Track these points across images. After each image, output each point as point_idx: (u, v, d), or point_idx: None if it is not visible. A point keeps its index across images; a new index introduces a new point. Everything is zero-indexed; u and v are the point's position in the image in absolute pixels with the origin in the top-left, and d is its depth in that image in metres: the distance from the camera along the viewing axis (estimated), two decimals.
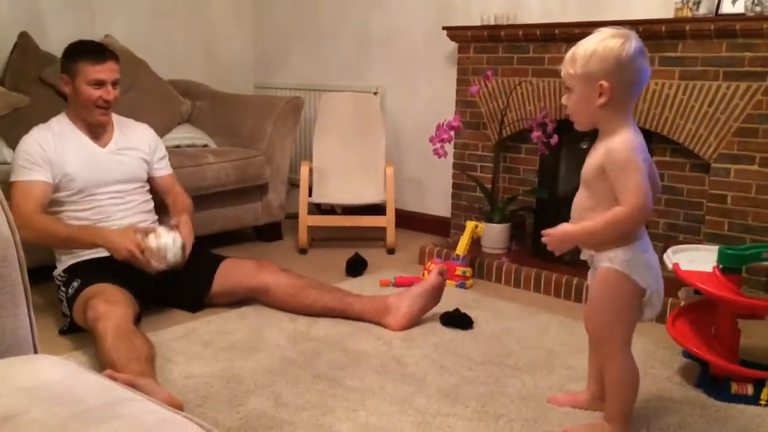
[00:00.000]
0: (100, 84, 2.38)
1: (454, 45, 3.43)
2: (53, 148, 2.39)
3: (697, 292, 1.98)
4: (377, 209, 3.50)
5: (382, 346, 2.23)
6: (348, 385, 1.95)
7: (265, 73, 4.60)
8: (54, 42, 3.52)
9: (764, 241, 2.50)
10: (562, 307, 2.66)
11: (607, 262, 1.57)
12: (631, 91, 1.53)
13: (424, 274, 2.94)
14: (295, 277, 2.51)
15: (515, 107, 3.19)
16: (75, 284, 2.26)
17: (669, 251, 2.12)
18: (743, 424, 1.78)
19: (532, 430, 1.73)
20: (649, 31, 2.71)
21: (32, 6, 3.54)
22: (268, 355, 2.14)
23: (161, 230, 2.34)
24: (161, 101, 3.57)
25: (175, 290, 2.48)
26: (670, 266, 2.02)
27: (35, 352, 1.18)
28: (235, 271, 2.52)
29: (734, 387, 1.88)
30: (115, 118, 2.56)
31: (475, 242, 3.09)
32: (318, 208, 3.91)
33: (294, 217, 3.53)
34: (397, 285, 2.83)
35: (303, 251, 3.41)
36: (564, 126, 3.02)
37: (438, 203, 3.76)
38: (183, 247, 2.36)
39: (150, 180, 2.64)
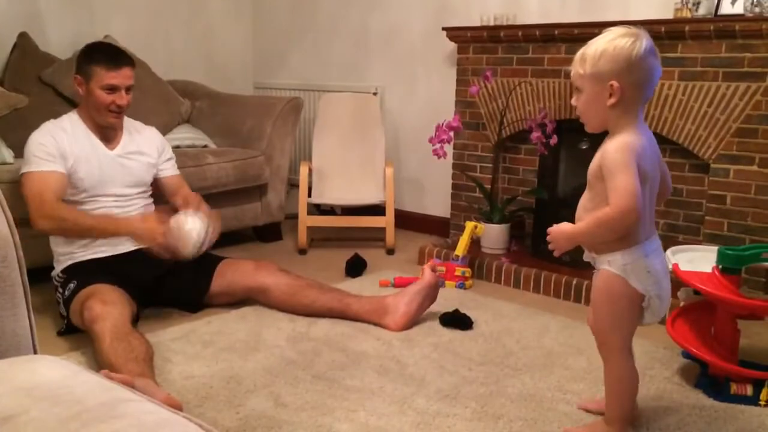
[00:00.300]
0: (113, 89, 2.37)
1: (453, 45, 3.43)
2: (66, 143, 2.38)
3: (696, 292, 1.99)
4: (377, 210, 3.50)
5: (381, 346, 2.23)
6: (347, 385, 1.95)
7: (264, 73, 4.60)
8: (54, 43, 3.53)
9: (764, 242, 2.50)
10: (561, 308, 2.66)
11: (606, 264, 1.57)
12: (642, 91, 1.50)
13: (423, 275, 2.94)
14: (294, 278, 2.51)
15: (515, 108, 3.19)
16: (71, 285, 2.26)
17: (668, 252, 2.12)
18: (743, 425, 1.78)
19: (531, 430, 1.73)
20: (648, 31, 2.65)
21: (32, 6, 3.54)
22: (267, 356, 2.14)
23: (184, 215, 2.31)
24: (161, 101, 3.57)
25: (174, 290, 2.48)
26: (669, 267, 2.02)
27: (35, 352, 1.18)
28: (233, 271, 2.51)
29: (734, 387, 1.89)
30: (125, 121, 2.55)
31: (475, 243, 3.09)
32: (317, 209, 3.91)
33: (293, 217, 3.53)
34: (396, 285, 2.83)
35: (302, 252, 3.41)
36: (563, 126, 3.03)
37: (437, 204, 3.76)
38: (207, 231, 2.32)
39: (157, 181, 2.63)
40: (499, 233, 3.15)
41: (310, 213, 3.48)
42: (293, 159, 3.84)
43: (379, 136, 3.65)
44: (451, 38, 3.39)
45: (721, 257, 1.90)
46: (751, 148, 2.55)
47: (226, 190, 3.28)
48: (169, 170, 2.67)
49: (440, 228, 3.68)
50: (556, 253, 1.61)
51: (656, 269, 1.56)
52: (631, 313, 1.59)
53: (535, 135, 2.98)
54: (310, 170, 3.55)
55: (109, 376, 1.59)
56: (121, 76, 2.38)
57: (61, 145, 2.37)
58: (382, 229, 3.43)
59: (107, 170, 2.44)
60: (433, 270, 2.46)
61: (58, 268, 2.40)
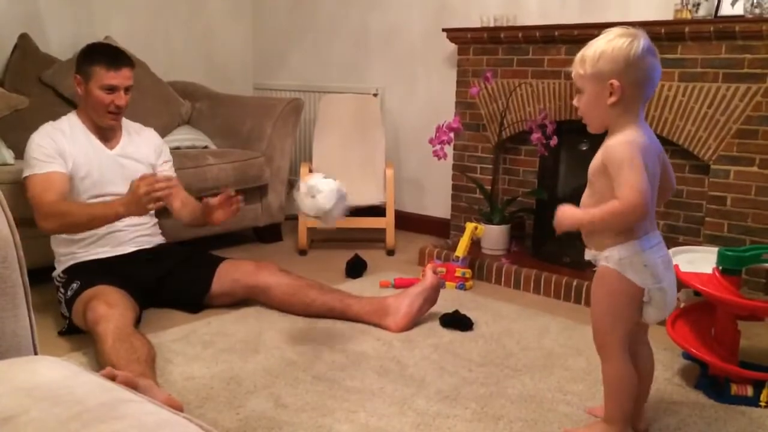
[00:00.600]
0: (112, 89, 2.39)
1: (453, 46, 3.43)
2: (64, 143, 2.40)
3: (696, 293, 1.99)
4: (377, 210, 3.50)
5: (381, 347, 2.23)
6: (348, 386, 1.95)
7: (264, 74, 4.60)
8: (54, 44, 3.53)
9: (764, 243, 2.50)
10: (561, 309, 2.66)
11: (604, 260, 1.58)
12: (642, 89, 1.52)
13: (423, 276, 2.94)
14: (295, 278, 2.51)
15: (515, 109, 3.20)
16: (74, 286, 2.26)
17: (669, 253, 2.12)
18: (743, 426, 1.78)
19: (531, 431, 1.73)
20: (648, 32, 2.65)
21: (32, 8, 3.54)
22: (267, 357, 2.14)
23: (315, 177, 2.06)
24: (161, 102, 3.57)
25: (175, 291, 2.49)
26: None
27: (35, 353, 1.18)
28: (234, 270, 2.52)
29: (734, 388, 1.88)
30: (123, 122, 2.57)
31: (475, 243, 3.09)
32: None
33: (294, 218, 3.53)
34: (396, 286, 2.83)
35: (303, 252, 3.41)
36: (563, 128, 3.03)
37: (438, 205, 3.76)
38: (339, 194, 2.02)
39: None
40: (499, 234, 3.15)
41: None
42: (293, 160, 3.84)
43: (379, 137, 3.65)
44: (452, 39, 3.39)
45: (722, 258, 1.90)
46: (752, 149, 2.55)
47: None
48: (167, 172, 2.68)
49: (440, 229, 3.68)
50: (558, 231, 1.58)
51: (654, 263, 1.55)
52: (629, 309, 1.58)
53: (536, 136, 2.98)
54: (311, 171, 3.55)
55: (112, 373, 1.60)
56: (121, 77, 2.39)
57: (59, 146, 2.38)
58: (383, 230, 3.43)
59: (107, 170, 2.45)
60: (435, 272, 2.47)
61: (59, 268, 2.40)
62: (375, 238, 3.53)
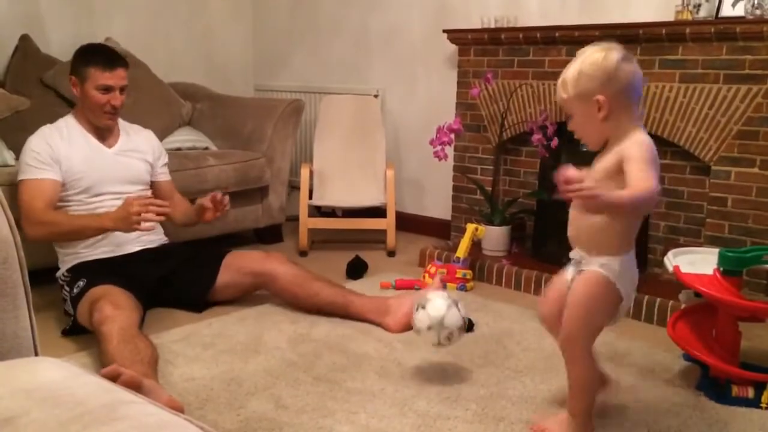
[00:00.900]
0: (108, 90, 2.41)
1: (454, 47, 3.44)
2: (60, 146, 2.41)
3: (697, 294, 1.99)
4: (377, 212, 3.50)
5: (382, 348, 2.23)
6: (348, 387, 1.95)
7: (265, 75, 4.60)
8: (55, 45, 3.53)
9: (765, 244, 2.50)
10: None
11: (598, 266, 1.58)
12: (628, 97, 1.54)
13: (424, 277, 2.95)
14: (302, 269, 2.54)
15: (515, 110, 3.20)
16: (80, 284, 2.27)
17: (669, 254, 2.12)
18: (744, 427, 1.78)
19: None
20: (649, 34, 2.72)
21: (33, 9, 3.54)
22: (268, 358, 2.14)
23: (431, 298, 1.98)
24: (161, 103, 3.57)
25: (178, 290, 2.49)
26: (670, 269, 2.02)
27: (36, 354, 1.18)
28: (241, 259, 2.55)
29: (735, 390, 1.88)
30: (121, 122, 2.60)
31: (476, 245, 3.09)
32: (318, 211, 3.91)
33: (294, 219, 3.53)
34: (397, 287, 2.83)
35: (303, 253, 3.41)
36: (564, 129, 3.02)
37: (438, 206, 3.76)
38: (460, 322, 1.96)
39: (151, 185, 2.65)
40: (499, 235, 3.15)
41: (310, 215, 3.48)
42: (294, 161, 3.84)
43: (379, 138, 3.65)
44: (452, 40, 3.39)
45: (722, 259, 1.90)
46: (752, 151, 2.55)
47: (226, 192, 3.27)
48: (164, 175, 2.72)
49: (441, 230, 3.68)
50: (569, 196, 1.48)
51: (633, 274, 1.62)
52: (608, 315, 1.63)
53: (536, 137, 2.98)
54: (311, 172, 3.56)
55: (117, 371, 1.60)
56: (116, 77, 2.42)
57: (55, 150, 2.39)
58: (383, 231, 3.43)
59: (106, 168, 2.46)
60: (442, 280, 2.47)
61: (63, 267, 2.41)
62: (375, 239, 3.53)
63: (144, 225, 2.22)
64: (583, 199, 1.48)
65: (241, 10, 4.54)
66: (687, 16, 2.69)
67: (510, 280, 2.95)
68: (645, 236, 2.87)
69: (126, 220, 2.20)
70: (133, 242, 2.49)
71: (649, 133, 2.78)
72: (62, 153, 2.40)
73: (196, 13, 4.28)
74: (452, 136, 3.14)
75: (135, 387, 1.62)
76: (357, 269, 3.05)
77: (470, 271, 2.94)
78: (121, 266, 2.38)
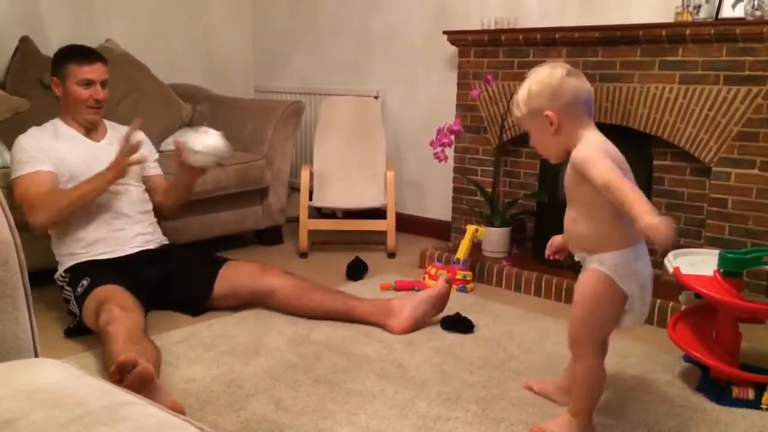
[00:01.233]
0: (89, 84, 2.46)
1: (454, 49, 3.44)
2: (49, 142, 2.45)
3: (697, 296, 1.98)
4: (378, 213, 3.50)
5: (383, 349, 2.23)
6: (348, 388, 1.95)
7: (265, 76, 4.60)
8: (55, 46, 3.49)
9: (765, 245, 2.50)
10: (562, 311, 2.65)
11: (597, 264, 1.60)
12: (575, 110, 1.60)
13: (424, 278, 2.95)
14: (299, 280, 2.51)
15: None
16: (84, 282, 2.27)
17: (670, 255, 2.12)
18: (744, 429, 1.78)
19: None
20: (649, 35, 2.72)
21: (33, 10, 3.54)
22: (268, 359, 2.14)
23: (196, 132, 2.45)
24: (162, 105, 3.57)
25: (177, 293, 2.49)
26: (670, 270, 2.02)
27: (36, 355, 1.18)
28: (237, 273, 2.52)
29: (735, 391, 1.88)
30: (107, 122, 2.65)
31: (476, 246, 3.09)
32: (318, 212, 3.91)
33: (294, 220, 3.53)
34: (397, 289, 2.83)
35: (303, 255, 3.41)
36: None
37: (438, 207, 3.76)
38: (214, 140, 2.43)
39: (143, 179, 2.68)
40: (500, 237, 3.15)
41: (311, 216, 3.48)
42: (294, 162, 3.84)
43: (380, 140, 3.65)
44: (452, 42, 3.39)
45: (723, 261, 1.90)
46: (752, 152, 2.55)
47: (227, 193, 3.28)
48: (156, 169, 2.76)
49: (441, 231, 3.68)
50: (672, 234, 1.48)
51: (643, 274, 1.61)
52: (611, 314, 1.63)
53: None
54: (311, 173, 3.56)
55: (135, 360, 1.59)
56: (95, 71, 2.47)
57: (44, 145, 2.43)
58: (383, 233, 3.43)
59: (99, 159, 2.47)
60: (447, 282, 2.45)
61: (61, 268, 2.42)
62: (376, 240, 3.53)
63: (134, 158, 2.37)
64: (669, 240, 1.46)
65: (241, 11, 4.54)
66: (687, 17, 2.70)
67: (510, 282, 2.95)
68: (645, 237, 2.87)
69: (119, 162, 2.33)
70: (131, 244, 2.48)
71: (649, 134, 2.81)
72: (52, 147, 2.43)
73: (196, 15, 4.28)
74: (452, 137, 3.14)
75: (149, 379, 1.63)
76: (357, 270, 3.05)
77: (470, 273, 2.94)
78: (121, 267, 2.38)
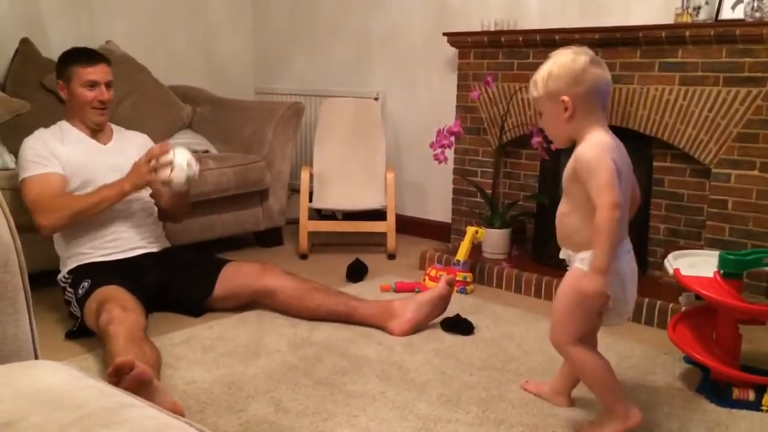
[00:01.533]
0: (93, 85, 2.46)
1: (454, 50, 3.44)
2: (56, 143, 2.45)
3: (698, 297, 1.98)
4: (378, 214, 3.50)
5: (383, 351, 2.23)
6: (349, 390, 1.94)
7: (265, 78, 4.61)
8: (55, 48, 3.51)
9: (765, 247, 2.50)
10: None
11: (578, 262, 1.62)
12: (593, 99, 1.59)
13: (424, 280, 2.95)
14: (300, 281, 2.51)
15: (515, 112, 3.20)
16: (85, 284, 2.27)
17: (670, 256, 2.12)
18: (745, 431, 1.78)
19: None
20: (649, 36, 2.72)
21: (34, 12, 3.55)
22: (268, 361, 2.14)
23: (175, 148, 2.37)
24: (162, 107, 3.57)
25: (177, 295, 2.49)
26: (671, 271, 2.02)
27: (36, 357, 1.18)
28: (238, 274, 2.52)
29: (736, 393, 1.88)
30: (113, 126, 2.64)
31: (476, 248, 3.09)
32: (318, 214, 3.91)
33: (294, 222, 3.53)
34: (397, 290, 2.83)
35: (303, 256, 3.41)
36: None
37: (438, 208, 3.76)
38: (192, 164, 2.37)
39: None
40: (500, 238, 3.15)
41: (311, 218, 3.48)
42: (294, 164, 3.84)
43: (380, 141, 3.65)
44: (452, 43, 3.39)
45: (723, 262, 1.90)
46: (752, 153, 2.55)
47: (227, 195, 3.28)
48: None
49: (441, 233, 3.68)
50: (605, 301, 1.58)
51: (624, 272, 1.62)
52: (589, 312, 1.63)
53: (536, 140, 2.98)
54: (311, 175, 3.56)
55: (133, 362, 1.59)
56: (99, 72, 2.47)
57: (51, 146, 2.43)
58: (383, 234, 3.43)
59: (104, 161, 2.48)
60: (449, 283, 2.45)
61: (64, 270, 2.42)
62: (376, 242, 3.53)
63: (159, 176, 2.31)
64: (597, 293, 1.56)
65: (241, 13, 4.55)
66: (687, 18, 2.70)
67: (510, 283, 2.95)
68: (645, 238, 2.87)
69: (139, 175, 2.31)
70: (134, 246, 2.48)
71: (649, 136, 2.81)
72: (59, 149, 2.43)
73: (197, 16, 4.29)
74: (452, 138, 3.14)
75: (147, 381, 1.62)
76: (357, 272, 3.05)
77: (470, 274, 2.94)
78: (124, 269, 2.38)
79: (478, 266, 3.03)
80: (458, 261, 2.92)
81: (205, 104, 3.80)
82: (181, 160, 2.31)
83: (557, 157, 3.06)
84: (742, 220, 2.60)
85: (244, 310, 2.55)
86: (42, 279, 2.32)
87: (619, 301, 1.61)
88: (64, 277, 2.40)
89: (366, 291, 2.80)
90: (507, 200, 3.31)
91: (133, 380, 1.59)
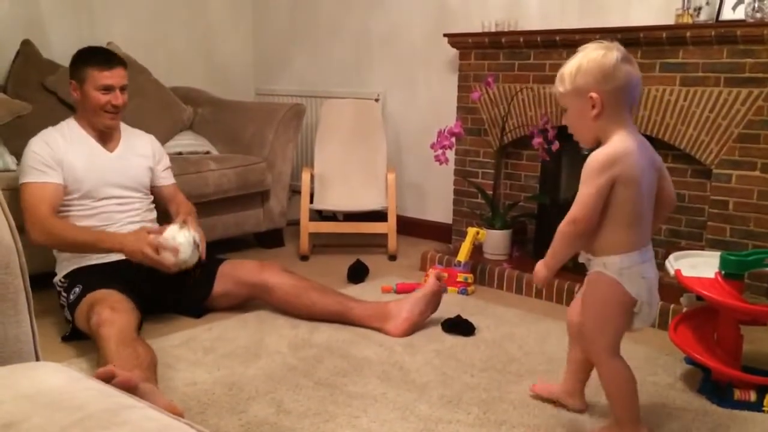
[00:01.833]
0: (108, 89, 2.42)
1: (455, 51, 3.44)
2: (62, 148, 2.42)
3: (699, 298, 1.98)
4: (378, 216, 3.50)
5: (383, 352, 2.23)
6: (350, 391, 1.94)
7: (265, 79, 4.61)
8: (56, 49, 3.54)
9: (766, 247, 2.50)
10: (563, 314, 2.62)
11: (601, 267, 1.59)
12: (622, 98, 1.55)
13: (425, 281, 2.94)
14: (298, 279, 2.52)
15: (516, 113, 3.20)
16: (76, 290, 2.26)
17: (671, 257, 2.12)
18: (746, 431, 1.77)
19: None
20: (649, 37, 2.72)
21: (35, 13, 3.55)
22: (269, 362, 2.14)
23: (174, 228, 2.33)
24: (163, 108, 3.57)
25: (176, 297, 2.48)
26: (672, 272, 2.02)
27: (37, 359, 1.18)
28: (236, 269, 2.53)
29: (737, 393, 1.88)
30: (123, 126, 2.60)
31: (477, 248, 3.09)
32: (319, 215, 3.91)
33: (295, 223, 3.53)
34: (398, 291, 2.83)
35: (304, 258, 3.41)
36: (565, 132, 3.02)
37: (439, 209, 3.76)
38: (197, 244, 2.35)
39: (154, 189, 2.66)
40: (501, 239, 3.14)
41: (311, 219, 3.48)
42: (295, 165, 3.84)
43: (380, 142, 3.65)
44: (453, 44, 3.39)
45: (724, 263, 1.90)
46: (754, 154, 2.55)
47: (227, 196, 3.28)
48: (166, 179, 2.71)
49: (442, 234, 3.68)
50: (540, 286, 1.67)
51: (650, 277, 1.59)
52: (621, 317, 1.60)
53: (537, 141, 2.98)
54: (312, 176, 3.56)
55: (112, 372, 1.58)
56: (115, 76, 2.43)
57: (56, 152, 2.40)
58: (384, 235, 3.43)
59: (107, 171, 2.46)
60: (438, 278, 2.46)
61: (61, 273, 2.41)
62: (376, 243, 3.53)
63: (164, 260, 2.28)
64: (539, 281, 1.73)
65: (241, 14, 4.55)
66: (687, 19, 2.70)
67: (511, 284, 2.94)
68: None
69: (138, 249, 2.25)
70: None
71: (650, 136, 2.81)
72: (64, 154, 2.40)
73: (197, 18, 4.29)
74: (453, 139, 3.14)
75: (130, 390, 1.62)
76: (358, 273, 3.05)
77: (471, 275, 2.94)
78: (119, 272, 2.38)
79: (479, 267, 3.03)
80: (459, 262, 2.92)
81: (206, 105, 3.81)
82: (183, 240, 2.29)
83: (558, 158, 3.06)
84: (743, 220, 2.59)
85: (244, 312, 2.55)
86: (41, 280, 2.31)
87: (645, 304, 1.58)
88: (60, 280, 2.40)
89: (367, 292, 2.80)
90: (508, 201, 3.31)
91: (116, 388, 1.58)
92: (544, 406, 1.88)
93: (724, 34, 2.54)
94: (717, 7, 2.66)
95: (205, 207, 3.15)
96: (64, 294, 2.33)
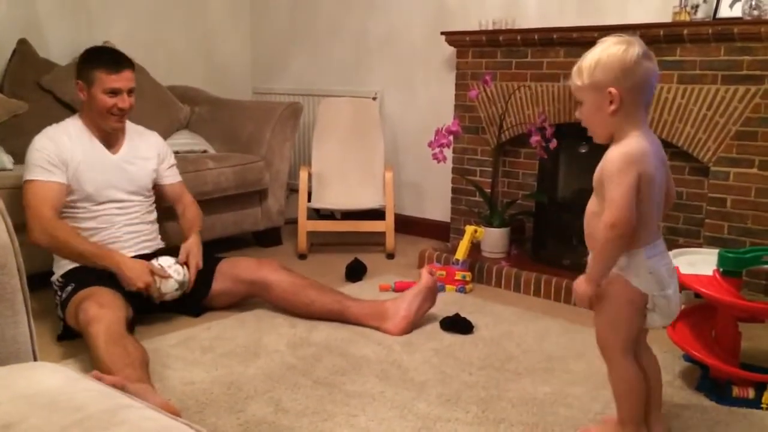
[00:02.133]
0: (115, 92, 2.38)
1: (452, 50, 3.44)
2: (67, 146, 2.39)
3: (697, 295, 1.98)
4: (376, 214, 3.50)
5: (382, 351, 2.23)
6: (348, 390, 1.94)
7: (263, 78, 4.60)
8: (53, 49, 3.53)
9: (764, 245, 2.50)
10: (562, 311, 2.66)
11: None
12: (640, 95, 1.52)
13: None
14: (297, 276, 2.52)
15: (514, 111, 3.20)
16: (69, 288, 2.26)
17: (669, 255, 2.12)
18: (745, 428, 1.78)
19: None
20: (647, 35, 2.71)
21: (31, 13, 3.54)
22: (267, 361, 2.14)
23: (171, 266, 2.37)
24: (160, 107, 3.57)
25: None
26: None
27: (35, 359, 1.18)
28: (235, 267, 2.53)
29: (735, 390, 1.88)
30: (127, 125, 2.56)
31: (475, 247, 3.09)
32: (317, 213, 3.91)
33: (293, 222, 3.53)
34: (396, 290, 2.83)
35: (302, 256, 3.41)
36: (563, 130, 3.03)
37: (437, 208, 3.76)
38: (185, 281, 2.41)
39: (159, 188, 2.65)
40: (499, 237, 3.15)
41: (309, 218, 3.47)
42: (293, 164, 3.84)
43: (378, 141, 3.65)
44: (450, 43, 3.39)
45: (722, 260, 1.90)
46: (751, 151, 2.55)
47: (225, 195, 3.28)
48: (171, 177, 2.69)
49: (440, 232, 3.68)
50: (584, 305, 1.60)
51: (659, 271, 1.55)
52: (632, 314, 1.57)
53: (535, 139, 2.98)
54: (310, 175, 3.56)
55: (99, 377, 1.58)
56: (123, 79, 2.39)
57: (61, 151, 2.37)
58: (382, 234, 3.43)
59: (110, 175, 2.45)
60: (431, 273, 2.47)
61: (59, 272, 2.40)
62: (375, 241, 3.53)
63: (162, 289, 2.34)
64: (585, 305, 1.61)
65: (239, 13, 4.54)
66: (685, 17, 2.70)
67: (509, 282, 2.95)
68: None
69: (131, 278, 2.26)
70: (129, 248, 2.47)
71: None
72: (69, 153, 2.38)
73: (195, 17, 4.28)
74: (451, 138, 3.14)
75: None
76: (356, 272, 3.05)
77: (469, 273, 2.94)
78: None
79: (477, 265, 3.03)
80: (457, 260, 2.92)
81: (204, 104, 3.80)
82: (174, 281, 2.37)
83: (555, 156, 3.06)
84: (741, 218, 2.60)
85: (243, 311, 2.55)
86: (39, 281, 2.31)
87: (658, 298, 1.55)
88: (58, 279, 2.39)
89: (365, 291, 2.80)
90: (506, 199, 3.31)
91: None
92: (543, 404, 1.88)
93: (722, 31, 2.54)
94: (714, 4, 2.66)
95: (204, 206, 3.13)
96: (59, 293, 2.32)
